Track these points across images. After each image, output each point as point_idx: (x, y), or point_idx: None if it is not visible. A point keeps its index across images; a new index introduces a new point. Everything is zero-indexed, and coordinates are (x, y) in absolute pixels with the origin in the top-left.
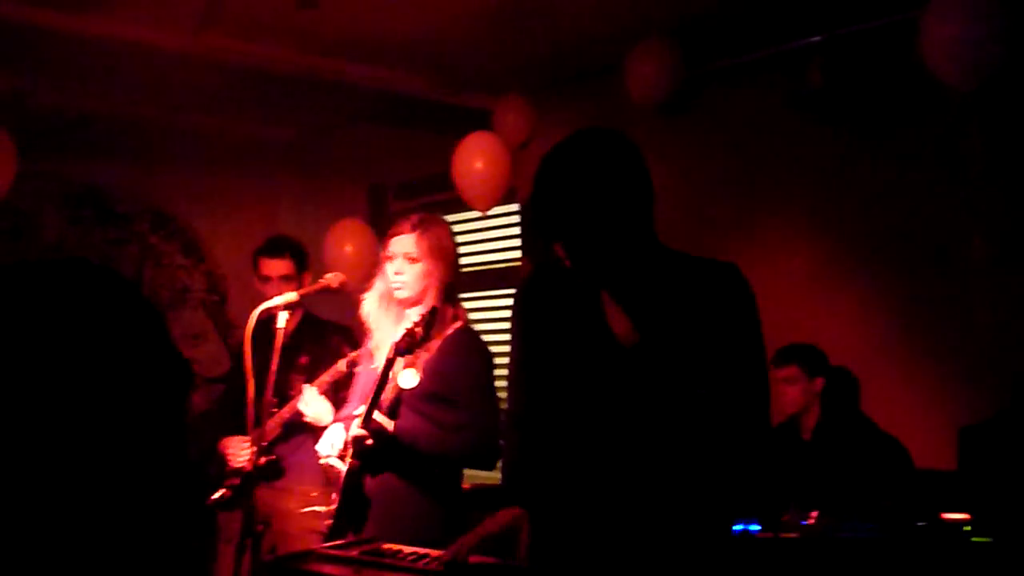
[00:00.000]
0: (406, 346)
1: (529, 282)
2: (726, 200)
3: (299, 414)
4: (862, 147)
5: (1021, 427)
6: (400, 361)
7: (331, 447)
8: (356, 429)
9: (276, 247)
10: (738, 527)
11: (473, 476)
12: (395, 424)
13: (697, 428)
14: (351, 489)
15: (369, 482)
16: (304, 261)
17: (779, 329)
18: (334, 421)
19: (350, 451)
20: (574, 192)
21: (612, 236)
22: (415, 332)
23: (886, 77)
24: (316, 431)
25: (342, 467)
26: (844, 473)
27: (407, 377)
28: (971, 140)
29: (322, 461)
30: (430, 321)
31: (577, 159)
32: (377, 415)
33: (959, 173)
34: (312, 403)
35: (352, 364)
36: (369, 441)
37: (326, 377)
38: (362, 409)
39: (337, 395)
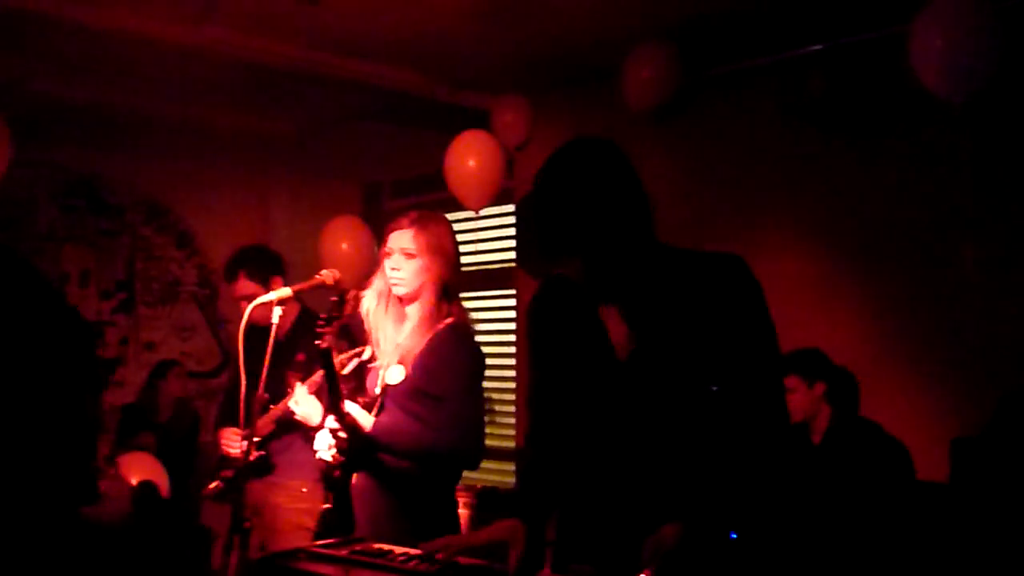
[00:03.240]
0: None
1: (537, 297)
2: (722, 206)
3: (290, 412)
4: (860, 156)
5: (1013, 440)
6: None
7: (326, 445)
8: (331, 422)
9: (228, 270)
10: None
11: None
12: (376, 420)
13: (704, 431)
14: (337, 487)
15: (354, 480)
16: (267, 268)
17: None
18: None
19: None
20: (571, 205)
21: (612, 245)
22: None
23: (885, 87)
24: (307, 430)
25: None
26: (852, 476)
27: (393, 373)
28: (962, 151)
29: (318, 456)
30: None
31: (569, 171)
32: (357, 412)
33: (952, 184)
34: (302, 402)
35: (342, 365)
36: (342, 434)
37: (315, 377)
38: (353, 406)
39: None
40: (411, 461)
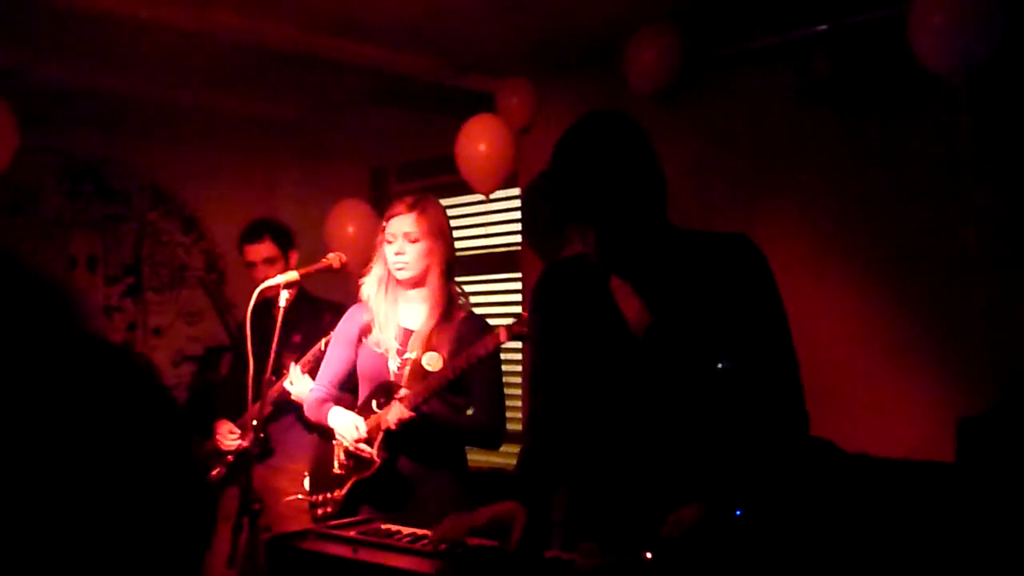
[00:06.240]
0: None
1: (543, 278)
2: (726, 188)
3: (285, 393)
4: (865, 138)
5: (1020, 419)
6: (417, 342)
7: (356, 430)
8: (403, 411)
9: (255, 232)
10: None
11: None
12: (420, 409)
13: (720, 408)
14: (388, 474)
15: (404, 464)
16: (288, 240)
17: None
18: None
19: (380, 435)
20: (591, 172)
21: (629, 216)
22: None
23: (891, 68)
24: (302, 410)
25: (371, 450)
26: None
27: (431, 360)
28: (963, 132)
29: (348, 444)
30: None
31: (590, 141)
32: (395, 410)
33: (954, 165)
34: (297, 382)
35: (329, 343)
36: (365, 440)
37: (308, 356)
38: (405, 392)
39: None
40: (445, 444)
